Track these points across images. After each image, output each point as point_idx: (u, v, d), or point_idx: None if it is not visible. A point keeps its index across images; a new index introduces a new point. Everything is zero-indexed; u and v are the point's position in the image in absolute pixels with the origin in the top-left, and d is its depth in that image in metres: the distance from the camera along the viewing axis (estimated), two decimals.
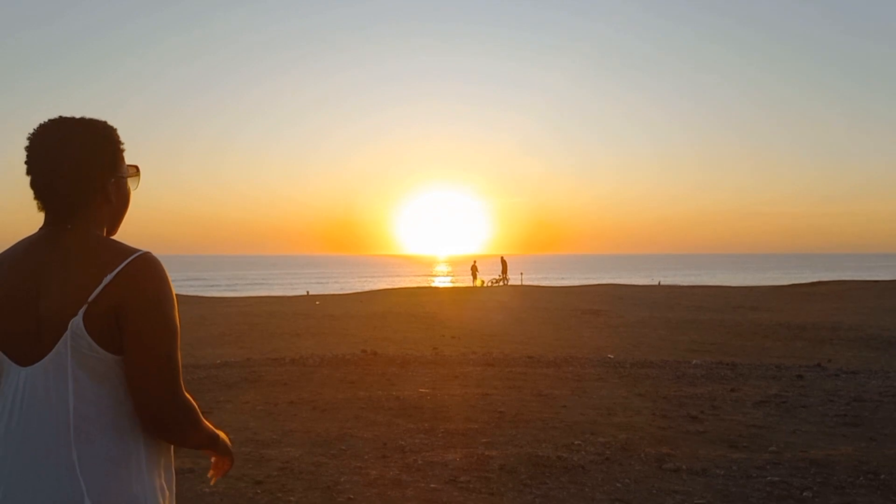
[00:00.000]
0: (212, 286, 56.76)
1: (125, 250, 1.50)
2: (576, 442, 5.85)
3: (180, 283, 56.18)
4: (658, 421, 6.69)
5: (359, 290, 38.32)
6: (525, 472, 5.04)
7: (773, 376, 9.38)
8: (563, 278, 62.83)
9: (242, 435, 6.04)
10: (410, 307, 22.73)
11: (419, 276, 75.81)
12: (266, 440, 5.90)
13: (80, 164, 1.55)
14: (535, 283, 45.16)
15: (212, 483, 1.89)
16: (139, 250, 1.51)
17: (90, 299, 1.44)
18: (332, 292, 38.55)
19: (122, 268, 1.47)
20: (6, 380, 1.51)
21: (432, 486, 4.77)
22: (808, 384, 8.75)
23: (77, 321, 1.44)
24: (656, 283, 43.11)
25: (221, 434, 1.71)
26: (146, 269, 1.49)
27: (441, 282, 57.38)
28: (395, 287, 39.16)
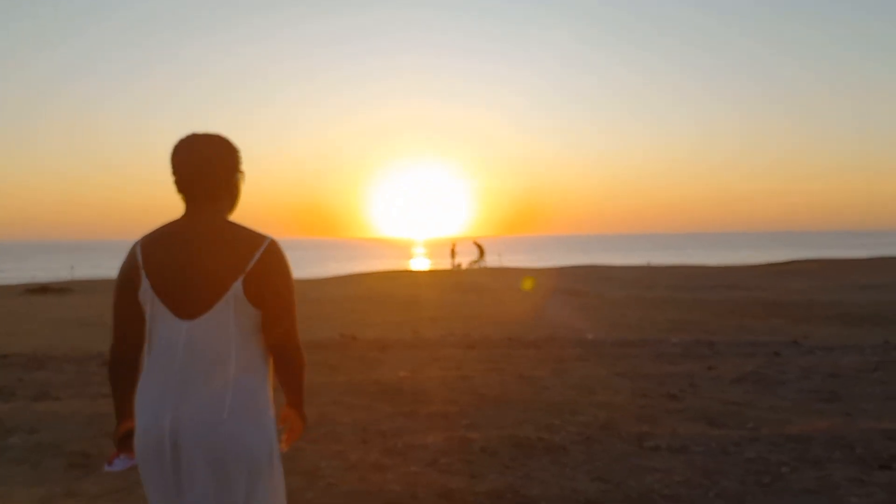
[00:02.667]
0: None
1: (260, 235, 2.09)
2: (556, 422, 5.86)
3: None
4: (638, 400, 6.72)
5: (335, 274, 38.16)
6: (506, 454, 5.04)
7: (751, 353, 9.46)
8: (542, 260, 62.99)
9: None
10: (389, 290, 22.68)
11: (397, 259, 75.57)
12: None
13: (216, 168, 2.13)
14: (516, 264, 45.22)
15: (284, 449, 2.25)
16: (268, 236, 2.10)
17: (247, 269, 2.02)
18: (308, 276, 38.34)
19: (265, 248, 2.05)
20: (163, 326, 2.04)
21: (413, 469, 4.75)
22: (785, 361, 8.83)
23: (237, 284, 2.01)
24: (645, 263, 43.08)
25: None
26: (278, 249, 2.09)
27: (420, 264, 57.29)
28: (373, 270, 39.02)
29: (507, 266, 40.81)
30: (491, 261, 43.02)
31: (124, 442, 2.23)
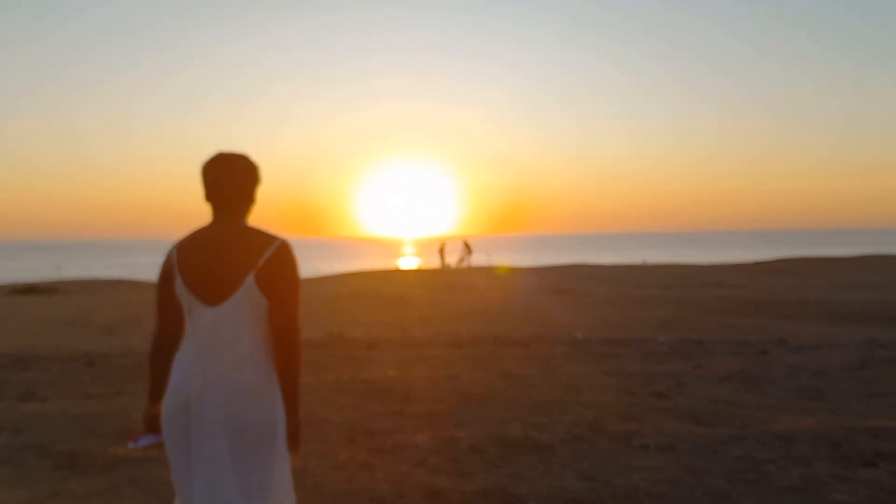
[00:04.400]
0: None
1: (273, 236, 2.49)
2: (544, 421, 5.86)
3: (142, 268, 55.21)
4: (625, 398, 6.74)
5: (324, 274, 38.07)
6: (494, 453, 5.04)
7: (738, 352, 9.51)
8: (531, 258, 63.03)
9: None
10: (377, 289, 22.64)
11: (386, 258, 75.40)
12: None
13: (242, 183, 2.55)
14: (505, 263, 45.16)
15: (296, 462, 2.60)
16: (280, 237, 2.49)
17: (259, 265, 2.42)
18: None
19: (276, 248, 2.45)
20: (195, 314, 2.45)
21: (401, 468, 4.75)
22: (772, 359, 8.88)
23: (251, 278, 2.41)
24: (641, 261, 42.91)
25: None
26: (287, 249, 2.48)
27: (408, 264, 57.17)
28: (362, 270, 38.92)
29: (496, 265, 40.80)
30: (481, 260, 42.87)
31: (152, 422, 2.59)
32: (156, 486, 4.46)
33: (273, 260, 2.44)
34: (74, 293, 23.97)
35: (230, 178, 2.53)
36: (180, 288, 2.47)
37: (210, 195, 2.55)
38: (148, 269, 53.96)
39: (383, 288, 23.16)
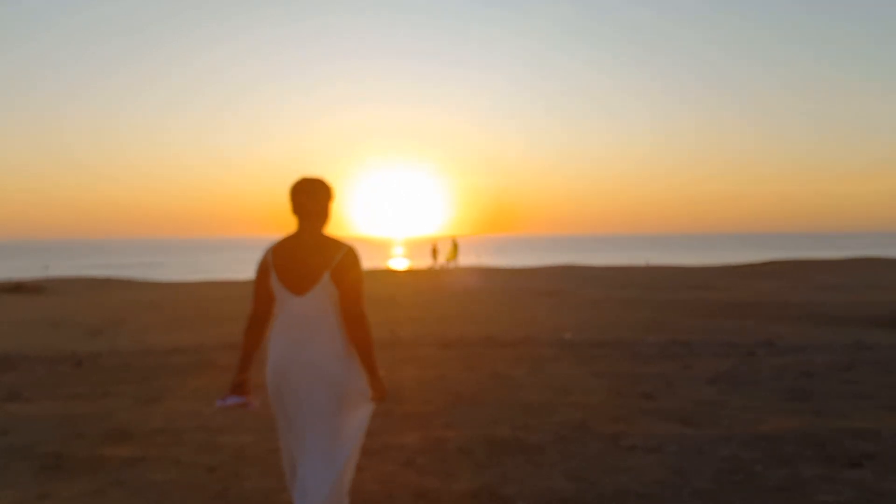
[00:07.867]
0: (162, 271, 55.43)
1: (342, 243, 3.19)
2: (532, 422, 5.87)
3: (131, 269, 54.90)
4: (613, 399, 6.76)
5: None
6: (482, 453, 5.05)
7: (725, 353, 9.55)
8: (521, 260, 63.04)
9: (194, 422, 5.94)
10: (366, 289, 22.55)
11: (375, 258, 75.17)
12: (219, 426, 5.81)
13: (321, 201, 3.24)
14: (494, 264, 45.21)
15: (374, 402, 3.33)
16: (348, 244, 3.20)
17: (332, 266, 3.13)
18: None
19: (345, 252, 3.16)
20: (286, 301, 3.16)
21: (389, 468, 4.75)
22: (759, 361, 8.92)
23: (327, 275, 3.12)
24: (644, 263, 42.80)
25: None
26: (353, 253, 3.18)
27: (398, 264, 57.03)
28: None
29: (487, 266, 40.78)
30: (471, 261, 42.73)
31: (238, 387, 3.25)
32: (142, 488, 4.45)
33: (343, 261, 3.14)
34: (61, 293, 23.83)
35: (312, 198, 3.22)
36: (275, 281, 3.17)
37: (295, 210, 3.23)
38: (137, 269, 53.67)
39: (372, 288, 23.12)
